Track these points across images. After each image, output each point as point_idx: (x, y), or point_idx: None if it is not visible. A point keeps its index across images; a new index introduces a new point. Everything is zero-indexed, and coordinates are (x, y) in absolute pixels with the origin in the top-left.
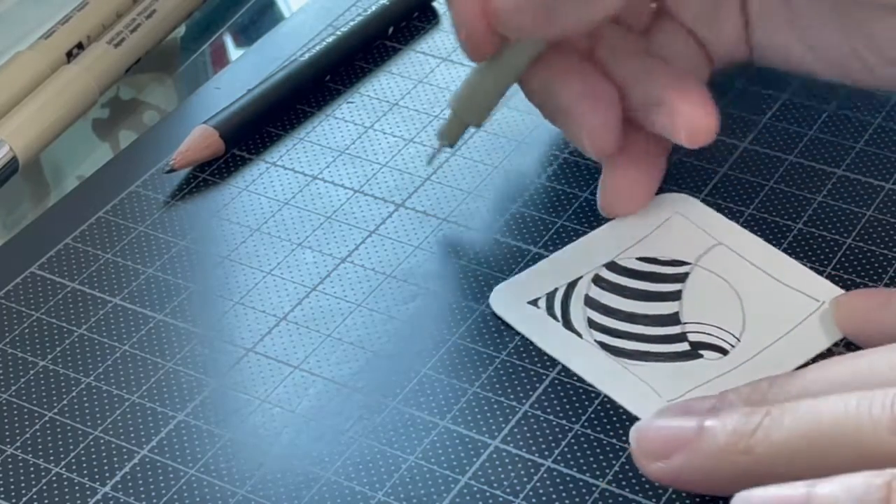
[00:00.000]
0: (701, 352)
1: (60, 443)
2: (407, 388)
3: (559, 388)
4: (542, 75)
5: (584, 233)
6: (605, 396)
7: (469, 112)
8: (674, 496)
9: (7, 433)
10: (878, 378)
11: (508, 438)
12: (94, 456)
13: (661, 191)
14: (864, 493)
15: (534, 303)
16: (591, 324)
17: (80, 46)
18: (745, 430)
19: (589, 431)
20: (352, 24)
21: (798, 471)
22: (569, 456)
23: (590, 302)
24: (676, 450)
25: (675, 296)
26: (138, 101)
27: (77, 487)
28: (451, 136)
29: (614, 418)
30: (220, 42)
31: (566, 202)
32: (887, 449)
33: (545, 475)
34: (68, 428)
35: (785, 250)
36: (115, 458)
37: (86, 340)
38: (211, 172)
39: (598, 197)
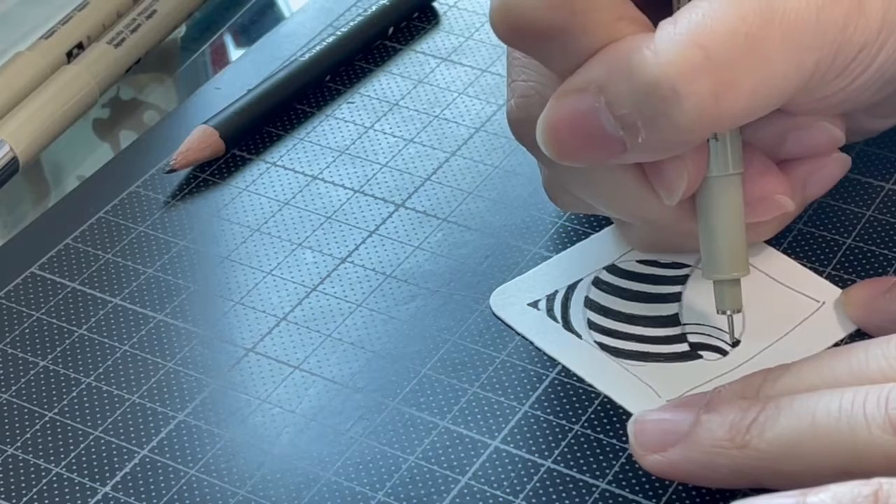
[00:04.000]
0: (700, 353)
1: (61, 443)
2: (407, 388)
3: (559, 388)
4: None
5: (585, 234)
6: (605, 397)
7: (729, 267)
8: (674, 497)
9: (7, 433)
10: (873, 370)
11: (508, 438)
12: (94, 456)
13: None
14: (851, 502)
15: (534, 304)
16: (591, 325)
17: (80, 46)
18: (741, 425)
19: (589, 431)
20: (352, 24)
21: (793, 466)
22: (569, 456)
23: (590, 304)
24: (673, 443)
25: (675, 297)
26: (138, 101)
27: (77, 488)
28: (734, 300)
29: (614, 418)
30: (220, 42)
31: None
32: (881, 447)
33: (545, 475)
34: (69, 428)
35: (785, 250)
36: (116, 459)
37: (86, 340)
38: (211, 172)
39: None
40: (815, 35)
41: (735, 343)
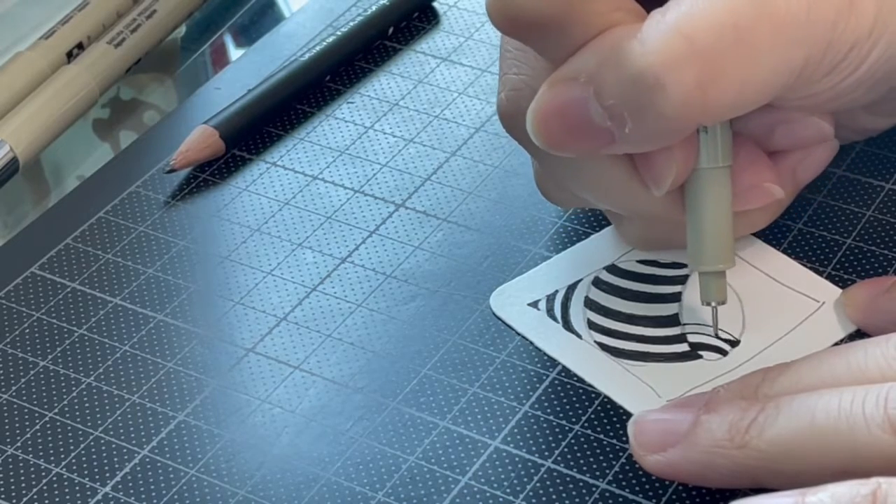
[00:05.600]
0: (700, 353)
1: (61, 443)
2: (407, 388)
3: (559, 388)
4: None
5: (585, 233)
6: (605, 397)
7: (715, 259)
8: (674, 497)
9: (7, 433)
10: (872, 370)
11: (508, 438)
12: (94, 456)
13: None
14: (850, 501)
15: (534, 304)
16: (591, 325)
17: (80, 46)
18: (741, 425)
19: (589, 431)
20: (352, 24)
21: (792, 466)
22: (569, 456)
23: (590, 304)
24: (673, 443)
25: (675, 297)
26: (138, 101)
27: (77, 488)
28: (719, 292)
29: (614, 418)
30: (220, 42)
31: None
32: (880, 447)
33: (545, 475)
34: (69, 428)
35: (785, 250)
36: (116, 459)
37: (86, 340)
38: (211, 172)
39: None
40: (805, 31)
41: (734, 342)
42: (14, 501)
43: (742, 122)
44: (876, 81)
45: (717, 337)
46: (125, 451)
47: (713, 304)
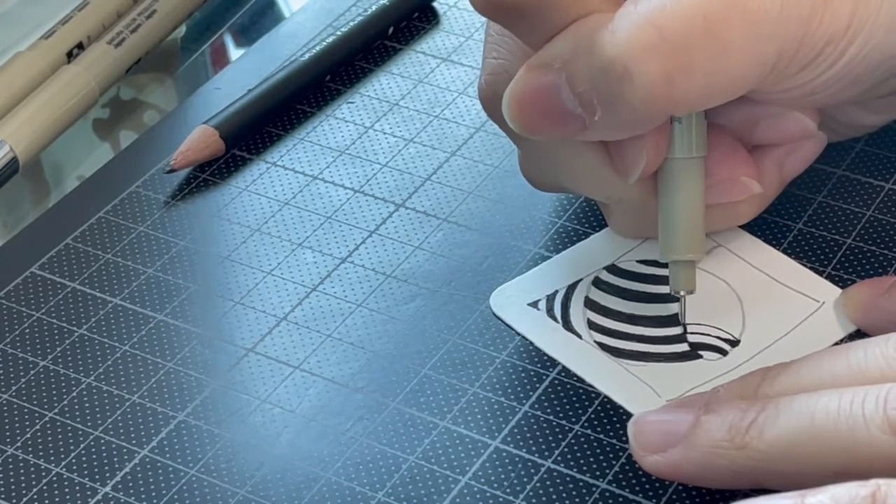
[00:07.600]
0: (700, 352)
1: (61, 443)
2: (407, 388)
3: (559, 388)
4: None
5: (585, 234)
6: (605, 397)
7: (685, 249)
8: (674, 497)
9: (7, 433)
10: (872, 370)
11: (508, 438)
12: (94, 456)
13: None
14: (849, 502)
15: (534, 304)
16: (591, 325)
17: (80, 46)
18: (740, 425)
19: (589, 431)
20: (352, 24)
21: (792, 466)
22: (569, 456)
23: (590, 304)
24: (673, 443)
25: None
26: (138, 101)
27: (77, 488)
28: (687, 282)
29: (614, 418)
30: (220, 42)
31: (567, 203)
32: (880, 447)
33: (545, 475)
34: (69, 428)
35: (785, 250)
36: (116, 459)
37: (86, 340)
38: (211, 172)
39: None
40: (777, 25)
41: (734, 342)
42: (14, 501)
43: (725, 114)
44: (856, 77)
45: (684, 326)
46: (125, 451)
47: (682, 293)
